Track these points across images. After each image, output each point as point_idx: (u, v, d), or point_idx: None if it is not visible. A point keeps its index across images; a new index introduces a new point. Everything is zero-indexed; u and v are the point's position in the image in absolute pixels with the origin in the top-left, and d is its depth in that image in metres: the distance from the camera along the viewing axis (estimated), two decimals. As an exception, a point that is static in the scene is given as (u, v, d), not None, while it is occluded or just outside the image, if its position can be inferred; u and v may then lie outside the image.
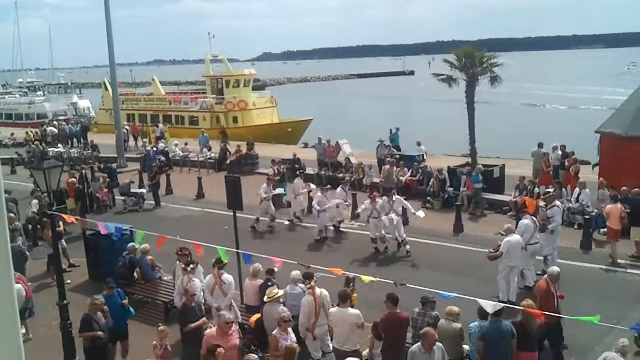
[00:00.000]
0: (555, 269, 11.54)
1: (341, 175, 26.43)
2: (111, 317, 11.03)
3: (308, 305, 10.61)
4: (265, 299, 10.90)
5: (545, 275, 11.54)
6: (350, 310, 10.22)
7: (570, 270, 15.71)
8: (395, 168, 24.78)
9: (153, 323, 13.64)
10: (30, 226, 19.46)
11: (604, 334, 10.31)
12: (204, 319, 11.02)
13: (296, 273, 11.80)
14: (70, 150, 35.94)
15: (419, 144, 29.13)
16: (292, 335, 9.78)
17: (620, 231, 16.59)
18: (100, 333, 10.60)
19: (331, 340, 10.68)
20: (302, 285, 11.51)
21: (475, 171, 22.10)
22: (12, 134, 45.77)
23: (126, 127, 42.42)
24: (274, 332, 9.76)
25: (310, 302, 10.63)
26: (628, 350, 8.99)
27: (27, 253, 16.07)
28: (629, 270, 15.64)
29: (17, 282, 12.82)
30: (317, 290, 10.81)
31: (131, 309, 11.94)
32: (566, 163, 22.39)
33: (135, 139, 40.10)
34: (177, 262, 13.17)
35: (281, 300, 11.00)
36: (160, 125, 42.12)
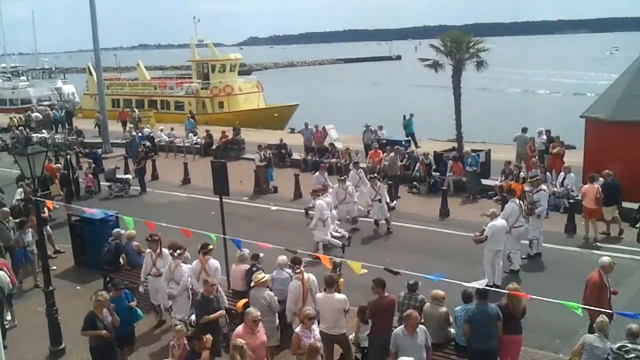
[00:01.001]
0: (606, 259, 10.70)
1: (327, 160, 26.43)
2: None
3: (296, 290, 10.63)
4: (251, 284, 10.89)
5: (598, 267, 10.67)
6: (337, 295, 10.23)
7: (555, 253, 15.92)
8: (381, 153, 24.81)
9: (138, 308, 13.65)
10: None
11: (588, 317, 10.41)
12: (222, 311, 10.73)
13: (282, 258, 11.80)
14: (55, 136, 35.59)
15: (381, 128, 28.98)
16: (317, 333, 9.47)
17: (599, 211, 16.86)
18: (104, 332, 10.04)
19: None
20: (289, 270, 11.52)
21: (464, 154, 22.11)
22: (-6, 119, 45.28)
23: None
24: (296, 330, 9.44)
25: (298, 287, 10.64)
26: (607, 327, 8.95)
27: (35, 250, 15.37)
28: (613, 254, 15.76)
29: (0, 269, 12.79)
30: (305, 275, 10.83)
31: (139, 311, 11.50)
32: (551, 148, 22.48)
33: (124, 124, 39.59)
34: (148, 249, 13.07)
35: (268, 285, 10.97)
36: (137, 110, 41.96)
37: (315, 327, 9.43)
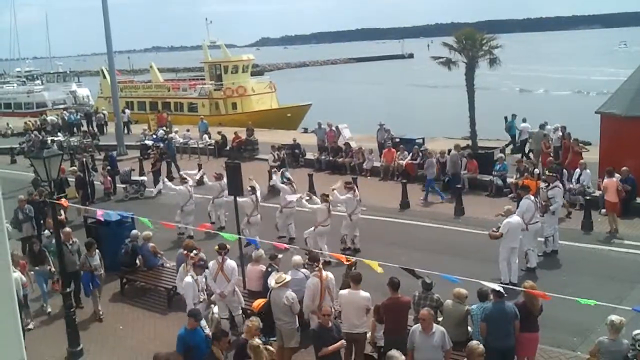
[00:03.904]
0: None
1: (341, 160, 26.44)
2: (197, 355, 9.32)
3: (314, 287, 10.63)
4: (273, 284, 10.84)
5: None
6: (362, 293, 10.16)
7: (572, 251, 15.79)
8: (395, 152, 24.78)
9: (155, 310, 13.76)
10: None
11: (606, 314, 10.34)
12: (343, 341, 9.59)
13: (298, 258, 11.81)
14: (70, 139, 35.83)
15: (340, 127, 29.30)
16: None
17: (620, 208, 16.82)
18: None
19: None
20: (305, 271, 11.54)
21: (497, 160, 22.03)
22: (8, 123, 45.63)
23: (104, 112, 42.71)
24: None
25: (316, 283, 10.64)
26: (619, 326, 8.77)
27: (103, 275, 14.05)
28: (630, 250, 15.65)
29: (20, 270, 12.91)
30: (324, 273, 10.83)
31: None
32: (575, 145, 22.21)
33: (126, 125, 39.73)
34: (190, 278, 11.69)
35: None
36: (127, 111, 42.60)
37: None
